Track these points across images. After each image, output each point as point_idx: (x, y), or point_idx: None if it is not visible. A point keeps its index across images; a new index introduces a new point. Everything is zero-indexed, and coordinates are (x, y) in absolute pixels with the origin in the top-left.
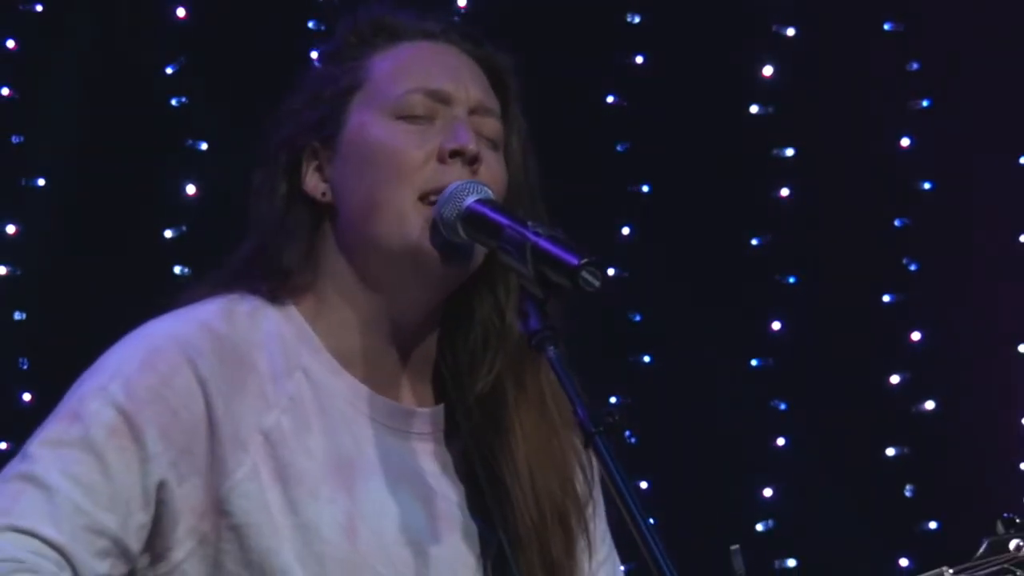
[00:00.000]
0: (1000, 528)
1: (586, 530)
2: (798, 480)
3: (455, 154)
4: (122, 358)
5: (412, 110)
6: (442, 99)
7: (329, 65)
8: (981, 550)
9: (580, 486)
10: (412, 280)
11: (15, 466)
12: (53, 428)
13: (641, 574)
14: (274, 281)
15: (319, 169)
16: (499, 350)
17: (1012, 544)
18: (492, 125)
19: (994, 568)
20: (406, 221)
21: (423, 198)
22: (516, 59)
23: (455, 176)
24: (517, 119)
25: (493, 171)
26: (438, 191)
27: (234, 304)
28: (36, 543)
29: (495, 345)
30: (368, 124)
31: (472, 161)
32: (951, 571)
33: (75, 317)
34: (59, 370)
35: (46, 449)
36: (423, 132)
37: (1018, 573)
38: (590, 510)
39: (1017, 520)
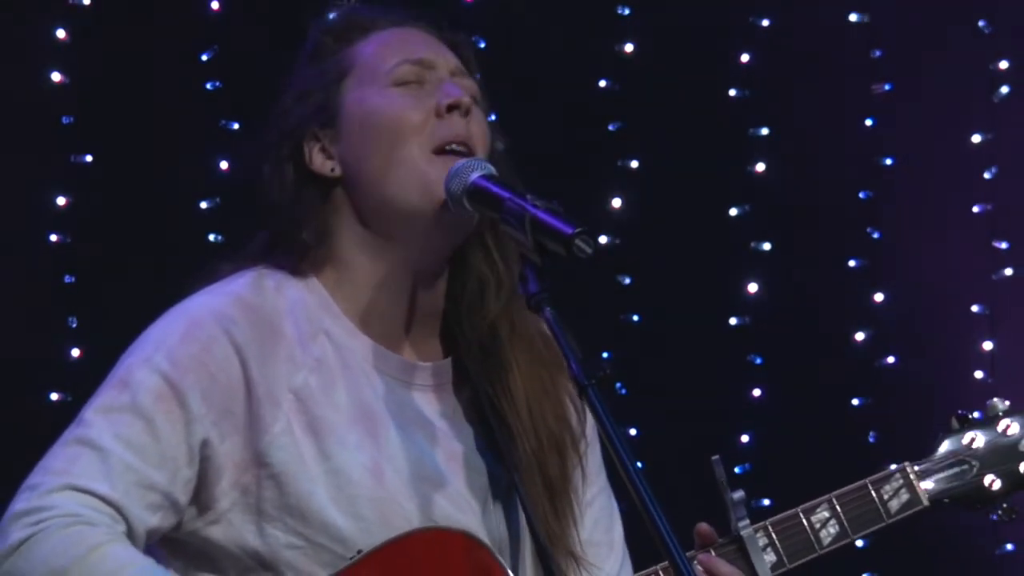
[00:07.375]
0: (955, 424)
1: (581, 460)
2: (772, 427)
3: (451, 108)
4: (164, 331)
5: (404, 77)
6: (427, 65)
7: (310, 66)
8: (938, 444)
9: (574, 420)
10: (430, 229)
11: (72, 431)
12: (105, 396)
13: (631, 513)
14: (295, 257)
15: (323, 150)
16: (493, 296)
17: (966, 438)
18: (471, 85)
19: (951, 461)
20: (425, 175)
21: (437, 151)
22: (517, 53)
23: (455, 127)
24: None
25: (482, 125)
26: (446, 143)
27: (262, 278)
28: (93, 500)
29: (489, 291)
30: (367, 97)
31: (467, 112)
32: (913, 466)
33: (119, 280)
34: (104, 328)
35: (99, 415)
36: (417, 95)
37: (972, 463)
38: (583, 446)
39: (970, 416)
